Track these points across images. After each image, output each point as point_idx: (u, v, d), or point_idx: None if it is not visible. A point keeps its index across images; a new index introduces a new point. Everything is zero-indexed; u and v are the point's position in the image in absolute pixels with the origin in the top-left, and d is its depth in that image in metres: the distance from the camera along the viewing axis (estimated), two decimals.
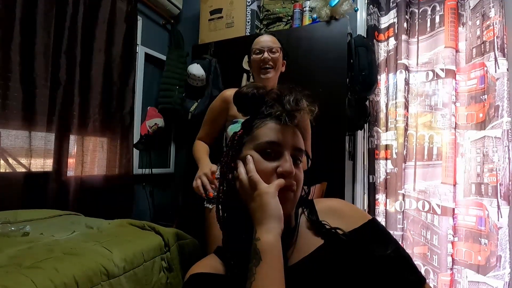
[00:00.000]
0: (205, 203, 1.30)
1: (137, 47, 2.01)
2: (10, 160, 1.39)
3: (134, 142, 1.97)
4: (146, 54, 2.12)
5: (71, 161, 1.62)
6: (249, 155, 0.51)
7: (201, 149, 1.28)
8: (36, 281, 0.72)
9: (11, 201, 1.33)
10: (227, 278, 0.49)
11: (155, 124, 2.11)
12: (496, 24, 1.57)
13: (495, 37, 1.56)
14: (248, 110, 0.57)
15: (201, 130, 1.32)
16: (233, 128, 1.24)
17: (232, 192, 0.52)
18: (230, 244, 0.52)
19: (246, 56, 1.42)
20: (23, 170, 1.42)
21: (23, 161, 1.42)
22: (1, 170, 1.35)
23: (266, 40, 1.24)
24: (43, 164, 1.49)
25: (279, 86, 0.54)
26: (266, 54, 1.21)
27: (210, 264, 0.52)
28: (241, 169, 0.50)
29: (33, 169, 1.45)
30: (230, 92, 1.28)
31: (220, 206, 0.54)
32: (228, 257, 0.51)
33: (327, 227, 0.54)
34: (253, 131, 0.54)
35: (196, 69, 1.83)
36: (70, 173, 1.61)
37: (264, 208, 0.46)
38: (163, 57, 2.20)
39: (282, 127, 0.52)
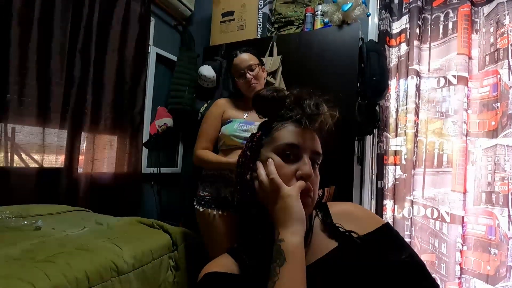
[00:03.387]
0: (195, 204, 1.30)
1: (149, 48, 2.03)
2: (24, 156, 1.42)
3: (144, 141, 1.99)
4: (158, 55, 2.14)
5: (81, 158, 1.65)
6: (270, 158, 0.51)
7: (214, 155, 1.28)
8: (49, 274, 0.74)
9: (23, 196, 1.35)
10: (241, 278, 0.49)
11: (164, 123, 2.12)
12: (510, 31, 1.55)
13: (509, 45, 1.54)
14: (267, 112, 0.57)
15: (202, 140, 1.31)
16: (227, 127, 1.27)
17: (249, 193, 0.52)
18: (246, 244, 0.52)
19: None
20: (36, 165, 1.44)
21: (36, 157, 1.45)
22: (15, 165, 1.38)
23: (243, 60, 1.31)
24: (55, 160, 1.52)
25: (299, 89, 0.54)
26: (248, 75, 1.29)
27: (224, 264, 0.52)
28: (261, 170, 0.51)
29: (45, 165, 1.47)
30: (222, 100, 1.38)
31: (237, 205, 0.54)
32: (243, 257, 0.52)
33: (341, 230, 0.54)
34: (272, 133, 0.54)
35: (207, 70, 1.84)
36: (81, 170, 1.64)
37: (288, 211, 0.47)
38: (174, 58, 2.23)
39: (302, 131, 0.52)
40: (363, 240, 0.52)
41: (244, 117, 1.29)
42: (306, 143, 0.52)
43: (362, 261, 0.50)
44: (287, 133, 0.52)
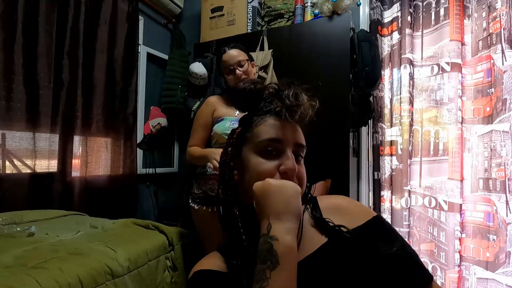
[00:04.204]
0: (190, 202, 1.30)
1: (139, 47, 2.01)
2: (15, 162, 1.40)
3: (138, 142, 1.97)
4: (148, 54, 2.12)
5: (75, 161, 1.63)
6: (250, 161, 0.50)
7: (201, 149, 1.30)
8: (40, 281, 0.73)
9: (16, 202, 1.34)
10: (229, 275, 0.49)
11: (158, 123, 2.11)
12: (503, 15, 1.53)
13: (502, 29, 1.52)
14: (246, 106, 0.56)
15: (193, 137, 1.33)
16: (219, 126, 1.27)
17: (231, 192, 0.51)
18: (231, 244, 0.51)
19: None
20: (28, 171, 1.43)
21: (28, 162, 1.43)
22: (7, 171, 1.36)
23: (232, 56, 1.30)
24: (47, 165, 1.50)
25: (278, 80, 0.52)
26: (237, 71, 1.29)
27: (213, 262, 0.51)
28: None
29: (38, 170, 1.46)
30: (213, 98, 1.37)
31: (219, 205, 0.53)
32: (230, 256, 0.51)
33: (331, 224, 0.52)
34: (253, 128, 0.52)
35: (197, 68, 1.82)
36: (75, 173, 1.62)
37: (287, 202, 0.44)
38: (165, 57, 2.20)
39: (282, 123, 0.50)
40: (353, 234, 0.51)
41: (235, 114, 1.28)
42: (287, 136, 0.50)
43: (353, 256, 0.48)
44: (267, 127, 0.50)
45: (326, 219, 0.53)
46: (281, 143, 0.50)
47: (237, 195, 0.50)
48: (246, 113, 0.57)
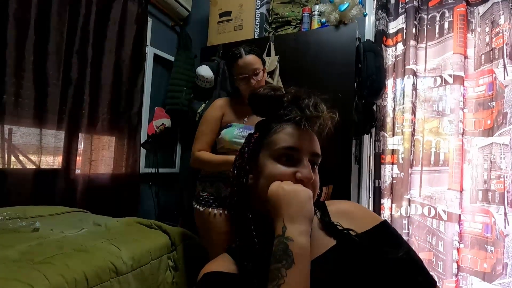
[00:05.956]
0: (194, 203, 1.30)
1: (146, 48, 2.03)
2: (21, 157, 1.41)
3: (141, 142, 1.99)
4: (155, 55, 2.14)
5: (79, 159, 1.64)
6: (267, 165, 0.51)
7: (217, 155, 1.26)
8: (48, 276, 0.74)
9: (20, 197, 1.35)
10: (240, 277, 0.50)
11: (162, 124, 2.12)
12: (505, 31, 1.56)
13: (504, 44, 1.56)
14: (264, 112, 0.57)
15: (199, 142, 1.28)
16: (227, 132, 1.26)
17: (246, 194, 0.52)
18: (243, 246, 0.52)
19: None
20: (33, 166, 1.44)
21: (33, 158, 1.44)
22: (12, 166, 1.37)
23: (248, 63, 1.23)
24: (52, 161, 1.52)
25: (297, 88, 0.54)
26: (252, 81, 1.23)
27: (223, 263, 0.53)
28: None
29: (43, 166, 1.47)
30: (221, 102, 1.34)
31: (233, 208, 0.54)
32: (241, 258, 0.52)
33: (339, 228, 0.54)
34: (271, 135, 0.53)
35: (204, 71, 1.84)
36: (78, 171, 1.63)
37: (301, 206, 0.46)
38: (172, 58, 2.22)
39: (300, 132, 0.52)
40: (361, 238, 0.52)
41: (244, 121, 1.28)
42: (305, 145, 0.51)
43: (360, 259, 0.50)
44: (286, 135, 0.52)
45: (335, 223, 0.55)
46: (299, 152, 0.51)
47: (250, 198, 0.51)
48: (263, 118, 0.58)
